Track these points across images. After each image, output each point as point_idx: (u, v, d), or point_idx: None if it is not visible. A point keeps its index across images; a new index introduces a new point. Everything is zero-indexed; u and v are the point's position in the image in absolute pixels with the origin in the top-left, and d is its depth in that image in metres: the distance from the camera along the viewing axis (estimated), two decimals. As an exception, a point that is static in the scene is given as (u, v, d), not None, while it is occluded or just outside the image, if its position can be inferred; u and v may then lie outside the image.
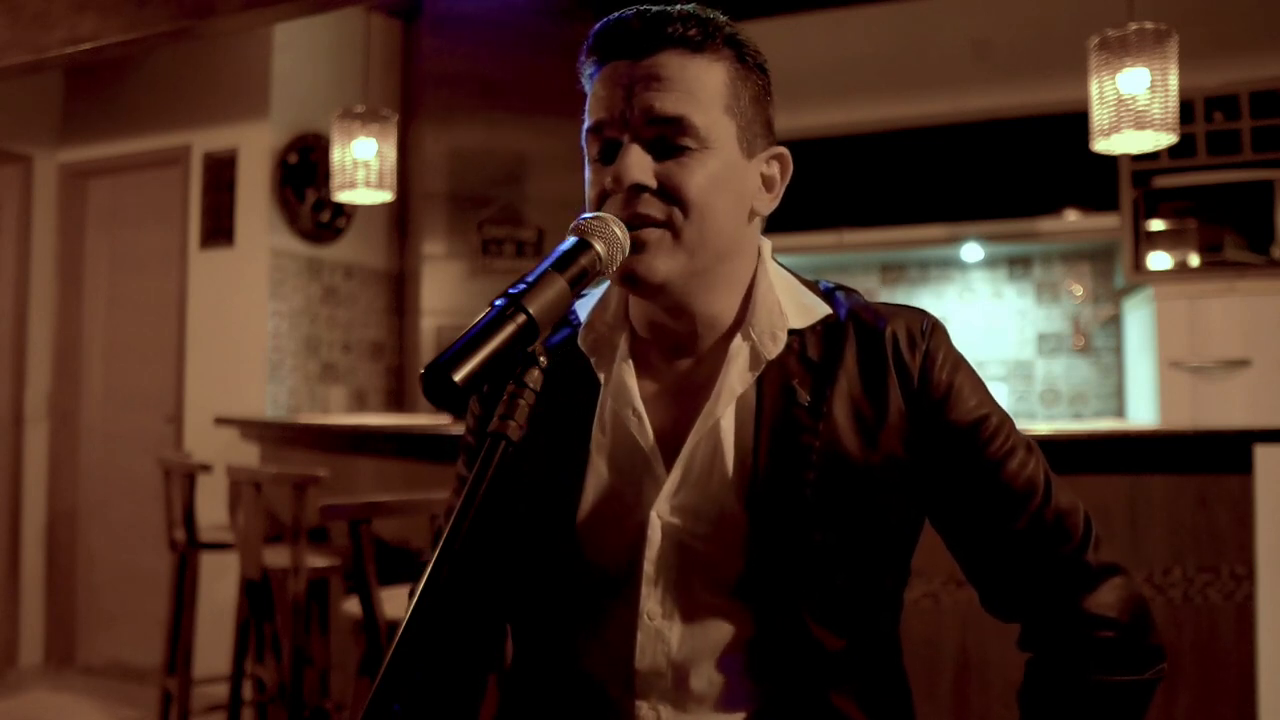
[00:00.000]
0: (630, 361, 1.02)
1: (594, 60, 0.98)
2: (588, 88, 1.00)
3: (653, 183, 0.93)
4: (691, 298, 0.98)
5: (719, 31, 0.96)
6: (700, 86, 0.94)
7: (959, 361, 1.01)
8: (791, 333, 0.99)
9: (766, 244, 1.05)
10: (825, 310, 1.01)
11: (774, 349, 0.98)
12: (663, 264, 0.94)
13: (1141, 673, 0.97)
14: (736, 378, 0.97)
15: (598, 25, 0.97)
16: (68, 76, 4.75)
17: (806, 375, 0.98)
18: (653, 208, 0.93)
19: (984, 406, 1.00)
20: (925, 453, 0.98)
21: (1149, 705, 0.98)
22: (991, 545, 1.00)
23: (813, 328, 1.00)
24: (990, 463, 0.98)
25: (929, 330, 1.00)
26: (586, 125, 0.98)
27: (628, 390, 1.00)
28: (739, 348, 0.98)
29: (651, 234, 0.93)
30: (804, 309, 1.01)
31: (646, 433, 0.99)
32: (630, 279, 0.94)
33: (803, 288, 1.04)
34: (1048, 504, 0.98)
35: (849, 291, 1.05)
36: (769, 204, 1.02)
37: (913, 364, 0.98)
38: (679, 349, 1.02)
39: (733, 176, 0.97)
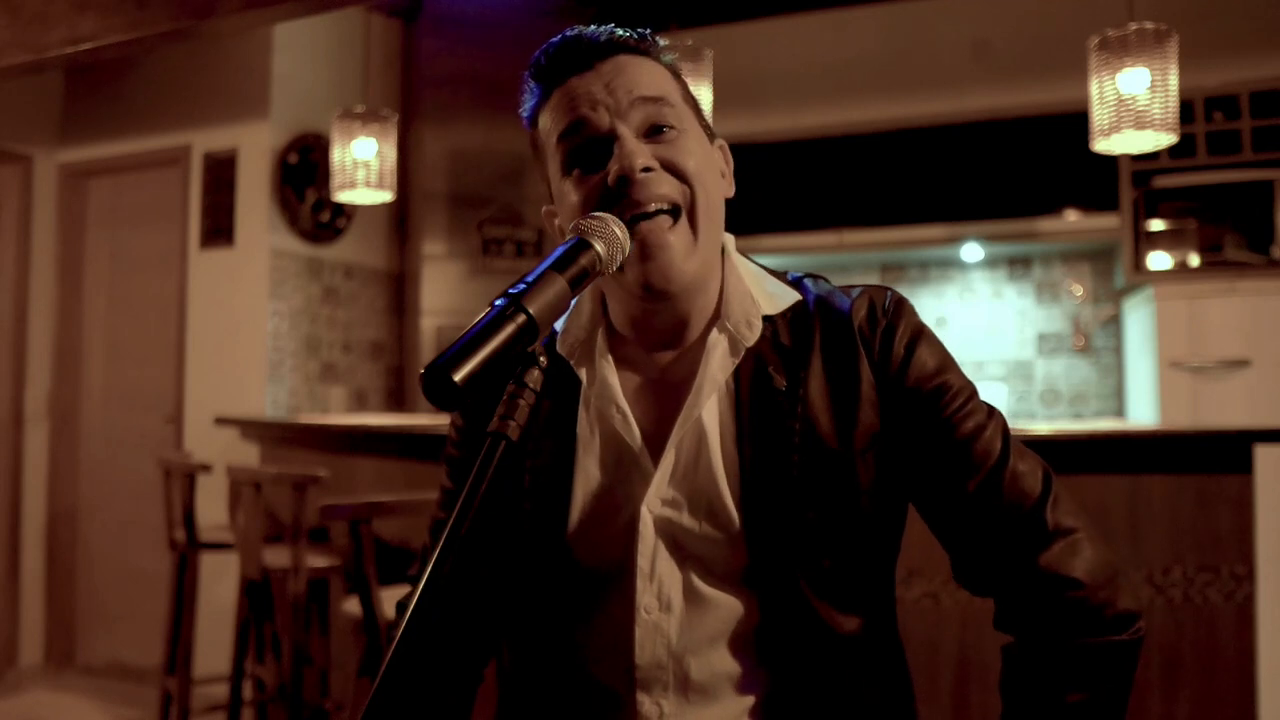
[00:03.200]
0: (610, 359, 1.03)
1: (545, 85, 1.01)
2: (541, 114, 1.01)
3: (654, 163, 0.95)
4: (695, 293, 1.00)
5: (655, 42, 1.03)
6: (661, 78, 1.00)
7: (920, 331, 1.02)
8: (764, 320, 1.01)
9: (729, 237, 1.07)
10: (794, 297, 1.03)
11: (751, 336, 1.00)
12: (678, 267, 0.95)
13: (1117, 633, 0.94)
14: (717, 367, 0.99)
15: (539, 55, 1.01)
16: (68, 76, 4.75)
17: (780, 361, 1.00)
18: (666, 186, 0.95)
19: (944, 374, 1.00)
20: (894, 421, 0.99)
21: (1133, 669, 0.96)
22: (953, 509, 1.00)
23: (783, 314, 1.02)
24: (948, 426, 0.98)
25: (892, 305, 1.02)
26: (560, 132, 0.98)
27: (610, 388, 1.01)
28: (717, 339, 1.00)
29: (663, 236, 0.94)
30: (772, 297, 1.03)
31: (632, 429, 1.00)
32: (650, 288, 0.95)
33: (769, 277, 1.06)
34: (1004, 465, 0.98)
35: (817, 279, 1.08)
36: (728, 190, 1.06)
37: (875, 337, 1.00)
38: (660, 343, 1.03)
39: (710, 158, 1.02)
